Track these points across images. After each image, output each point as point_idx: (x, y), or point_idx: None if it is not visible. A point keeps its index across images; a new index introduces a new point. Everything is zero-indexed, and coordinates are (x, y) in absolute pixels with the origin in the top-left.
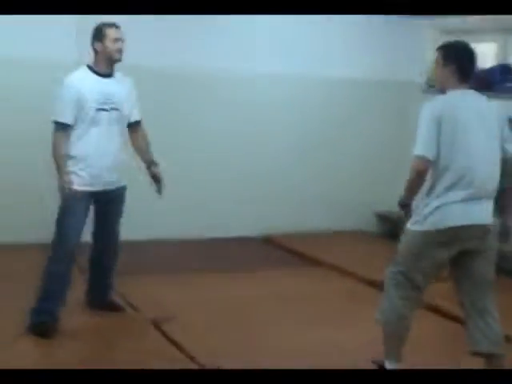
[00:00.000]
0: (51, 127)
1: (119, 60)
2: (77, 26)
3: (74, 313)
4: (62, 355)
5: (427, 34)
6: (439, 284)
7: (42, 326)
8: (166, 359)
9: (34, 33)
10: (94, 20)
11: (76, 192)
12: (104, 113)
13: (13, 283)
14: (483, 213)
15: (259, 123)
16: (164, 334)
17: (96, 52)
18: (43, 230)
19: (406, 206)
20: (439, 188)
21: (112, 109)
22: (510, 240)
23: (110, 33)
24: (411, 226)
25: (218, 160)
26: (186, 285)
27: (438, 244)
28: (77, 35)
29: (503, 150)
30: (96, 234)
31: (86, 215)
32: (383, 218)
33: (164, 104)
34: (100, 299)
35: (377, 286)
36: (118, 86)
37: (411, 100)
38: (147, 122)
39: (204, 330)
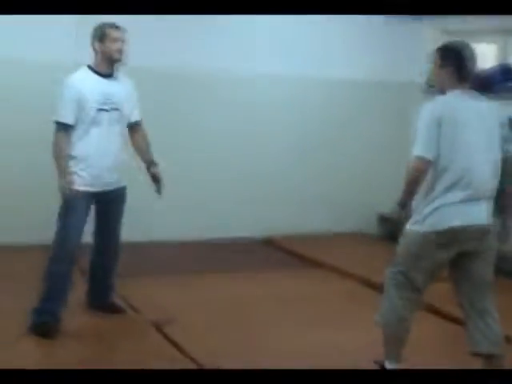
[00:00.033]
0: (52, 128)
1: (119, 60)
2: (77, 27)
3: (74, 314)
4: (63, 357)
5: (427, 34)
6: (439, 285)
7: (44, 326)
8: (167, 361)
9: (34, 33)
10: (94, 20)
11: (77, 192)
12: (105, 113)
13: (14, 283)
14: (482, 213)
15: (259, 123)
16: (165, 335)
17: (96, 52)
18: (44, 232)
19: (404, 206)
20: (438, 189)
21: (112, 109)
22: (510, 240)
23: (111, 33)
24: (410, 226)
25: (218, 160)
26: (187, 286)
27: (437, 245)
28: (76, 36)
29: (503, 150)
30: (97, 235)
31: (86, 215)
32: (384, 219)
33: (164, 104)
34: (101, 301)
35: (377, 287)
36: (118, 87)
37: (411, 100)
38: (147, 122)
39: (204, 332)
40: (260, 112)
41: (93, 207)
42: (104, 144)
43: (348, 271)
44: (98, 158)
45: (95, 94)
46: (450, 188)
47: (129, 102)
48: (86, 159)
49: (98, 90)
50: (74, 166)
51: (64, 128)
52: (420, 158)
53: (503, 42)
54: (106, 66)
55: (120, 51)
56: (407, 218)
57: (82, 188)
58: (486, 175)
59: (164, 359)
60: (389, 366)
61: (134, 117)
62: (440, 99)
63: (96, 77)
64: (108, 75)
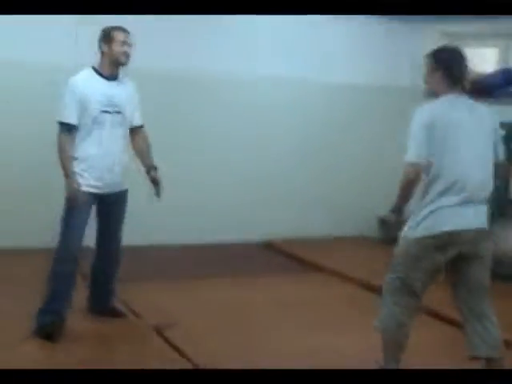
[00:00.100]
0: (53, 130)
1: (125, 63)
2: (77, 28)
3: (76, 319)
4: (64, 361)
5: (429, 38)
6: (437, 289)
7: (50, 326)
8: (168, 365)
9: (34, 34)
10: (94, 20)
11: (82, 193)
12: (107, 115)
13: (17, 287)
14: (477, 217)
15: (261, 126)
16: (166, 339)
17: (102, 54)
18: (47, 235)
19: (399, 211)
20: (432, 193)
21: (115, 112)
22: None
23: (118, 36)
24: (406, 231)
25: (219, 164)
26: (187, 290)
27: (433, 249)
28: (77, 36)
29: (496, 154)
30: (98, 238)
31: (88, 217)
32: (384, 222)
33: (165, 106)
34: (102, 306)
35: (377, 291)
36: (120, 89)
37: (413, 104)
38: (149, 125)
39: (205, 336)
40: (261, 115)
41: (94, 210)
42: (106, 146)
43: (349, 275)
44: (100, 159)
45: (98, 95)
46: (444, 192)
47: (130, 105)
48: (88, 160)
49: (101, 91)
50: (75, 167)
51: (68, 128)
52: (412, 164)
53: (505, 46)
54: (111, 69)
55: (126, 54)
56: (403, 222)
57: (83, 189)
58: (480, 179)
59: (166, 363)
60: None
61: (136, 120)
62: (431, 104)
63: (100, 79)
64: (112, 78)
